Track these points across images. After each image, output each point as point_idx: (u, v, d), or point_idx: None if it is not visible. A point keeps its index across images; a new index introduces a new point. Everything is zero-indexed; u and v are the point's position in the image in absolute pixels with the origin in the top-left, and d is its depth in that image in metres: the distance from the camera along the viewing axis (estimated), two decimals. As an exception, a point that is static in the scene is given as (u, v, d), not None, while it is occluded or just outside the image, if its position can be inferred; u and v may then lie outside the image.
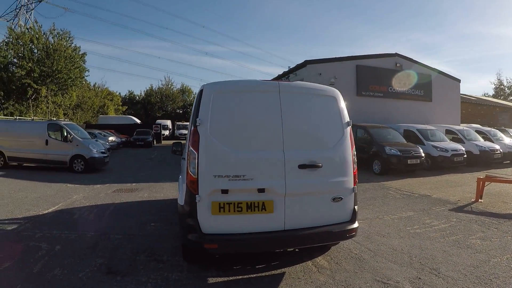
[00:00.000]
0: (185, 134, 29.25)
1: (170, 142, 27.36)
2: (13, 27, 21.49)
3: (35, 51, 22.51)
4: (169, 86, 46.14)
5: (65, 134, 10.15)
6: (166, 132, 32.40)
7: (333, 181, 2.99)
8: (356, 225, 3.06)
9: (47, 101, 23.18)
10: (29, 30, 22.19)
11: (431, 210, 5.60)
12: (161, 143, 26.63)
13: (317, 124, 3.07)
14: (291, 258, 3.42)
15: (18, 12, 28.88)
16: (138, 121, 30.88)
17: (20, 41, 21.24)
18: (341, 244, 3.72)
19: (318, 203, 2.94)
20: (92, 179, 8.63)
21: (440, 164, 10.67)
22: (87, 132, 13.18)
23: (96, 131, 18.34)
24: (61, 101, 25.30)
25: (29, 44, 21.97)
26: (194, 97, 44.02)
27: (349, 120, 3.17)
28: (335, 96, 3.18)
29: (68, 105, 27.12)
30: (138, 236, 4.13)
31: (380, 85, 15.64)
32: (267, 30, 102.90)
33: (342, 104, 3.19)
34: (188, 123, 23.68)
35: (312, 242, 3.04)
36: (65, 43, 23.26)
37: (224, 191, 2.75)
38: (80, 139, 10.12)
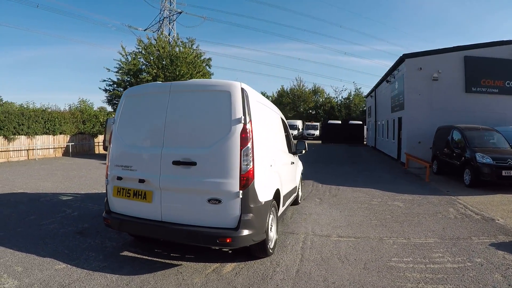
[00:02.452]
0: (313, 134, 32.32)
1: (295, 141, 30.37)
2: (158, 37, 26.23)
3: (161, 58, 26.95)
4: (301, 86, 48.35)
5: None
6: (295, 132, 33.49)
7: (209, 181, 2.84)
8: (238, 234, 2.78)
9: None
10: (156, 40, 26.35)
11: (468, 240, 4.05)
12: None
13: (202, 121, 2.99)
14: (213, 255, 3.46)
15: (162, 23, 34.29)
16: None
17: (148, 50, 26.24)
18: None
19: (193, 202, 2.90)
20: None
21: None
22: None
23: None
24: None
25: (156, 53, 26.34)
26: (326, 98, 46.85)
27: (242, 116, 2.85)
28: (229, 91, 2.93)
29: None
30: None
31: (494, 79, 11.92)
32: (412, 27, 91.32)
33: (238, 99, 2.89)
34: (316, 123, 25.22)
35: (185, 239, 3.01)
36: (187, 50, 26.81)
37: (119, 178, 3.25)
38: None
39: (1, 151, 12.78)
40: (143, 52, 26.57)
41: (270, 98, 48.90)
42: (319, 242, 3.92)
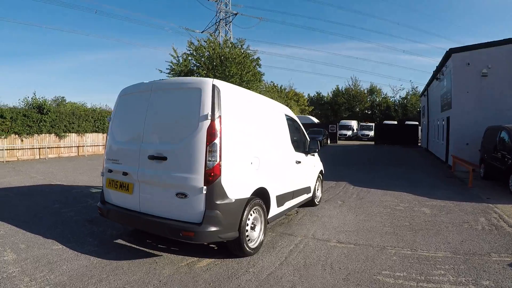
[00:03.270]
0: (367, 135, 32.10)
1: (351, 142, 31.03)
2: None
3: (211, 59, 27.62)
4: (356, 86, 47.82)
5: None
6: (349, 133, 33.99)
7: (177, 176, 2.96)
8: (201, 229, 2.84)
9: None
10: (207, 42, 27.07)
11: (485, 256, 3.53)
12: (336, 143, 28.48)
13: (175, 118, 3.13)
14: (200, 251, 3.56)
15: (218, 25, 35.84)
16: (316, 120, 33.88)
17: (199, 51, 27.57)
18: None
19: (163, 195, 3.05)
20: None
21: None
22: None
23: None
24: None
25: (206, 54, 26.87)
26: (383, 97, 46.15)
27: (209, 113, 2.91)
28: (200, 88, 3.01)
29: None
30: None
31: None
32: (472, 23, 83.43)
33: (208, 96, 2.95)
34: (371, 124, 25.66)
35: (155, 230, 3.16)
36: (237, 50, 27.39)
37: (110, 171, 3.58)
38: None
39: (53, 148, 14.63)
40: (193, 53, 27.73)
41: (325, 98, 49.37)
42: (312, 247, 3.76)
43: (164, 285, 2.75)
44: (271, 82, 43.96)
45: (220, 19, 36.21)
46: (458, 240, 4.06)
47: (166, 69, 26.84)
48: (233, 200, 3.03)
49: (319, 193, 6.01)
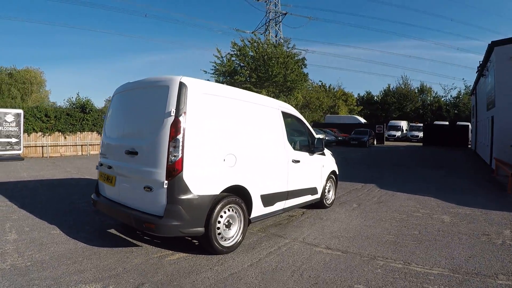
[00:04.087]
0: (417, 136, 31.65)
1: (399, 143, 30.68)
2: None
3: (255, 60, 28.61)
4: (406, 85, 46.92)
5: None
6: (398, 134, 33.69)
7: (145, 170, 3.17)
8: (162, 222, 3.00)
9: None
10: (250, 42, 28.07)
11: (489, 278, 3.07)
12: (383, 143, 28.14)
13: (147, 115, 3.35)
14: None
15: (268, 25, 36.94)
16: (363, 120, 34.17)
17: (242, 52, 27.79)
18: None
19: (135, 187, 3.29)
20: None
21: None
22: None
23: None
24: (285, 102, 31.73)
25: (249, 54, 27.85)
26: (434, 97, 44.94)
27: (173, 109, 3.05)
28: (169, 85, 3.17)
29: (295, 105, 33.37)
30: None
31: None
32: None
33: (174, 93, 3.10)
34: (421, 124, 26.06)
35: (126, 221, 3.39)
36: (280, 50, 27.96)
37: (101, 164, 3.95)
38: None
39: (95, 145, 16.18)
40: (237, 53, 27.71)
41: (375, 97, 48.31)
42: (295, 251, 3.66)
43: (126, 272, 2.94)
44: (320, 81, 44.36)
45: (270, 19, 37.08)
46: (465, 255, 3.63)
47: (210, 69, 27.74)
48: (197, 196, 3.11)
49: (330, 195, 5.89)
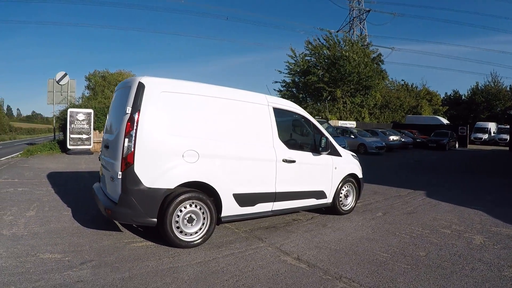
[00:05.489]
0: (505, 139, 30.31)
1: (484, 147, 29.33)
2: (350, 37, 29.05)
3: (331, 58, 28.88)
4: (496, 83, 44.23)
5: (303, 129, 13.85)
6: (485, 136, 32.53)
7: (110, 162, 3.75)
8: (115, 209, 3.50)
9: (343, 101, 29.91)
10: (326, 40, 28.33)
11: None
12: (466, 147, 27.19)
13: (117, 112, 3.90)
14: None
15: (352, 24, 37.51)
16: (445, 121, 33.12)
17: (316, 51, 27.77)
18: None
19: (107, 178, 3.91)
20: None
21: None
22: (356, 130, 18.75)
23: (379, 130, 21.94)
24: (362, 101, 30.90)
25: (323, 53, 28.14)
26: None
27: (129, 107, 3.47)
28: (131, 86, 3.62)
29: (373, 105, 32.84)
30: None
31: None
32: None
33: (133, 92, 3.52)
34: (508, 126, 24.82)
35: (100, 208, 3.97)
36: (358, 48, 27.77)
37: (99, 158, 4.66)
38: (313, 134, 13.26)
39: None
40: (311, 52, 28.08)
41: (463, 97, 45.61)
42: (258, 256, 3.60)
43: (89, 250, 3.50)
44: (402, 80, 42.77)
45: (354, 17, 37.28)
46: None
47: (284, 69, 28.61)
48: (147, 188, 3.45)
49: (349, 201, 5.59)
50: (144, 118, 3.47)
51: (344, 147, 13.02)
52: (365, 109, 30.62)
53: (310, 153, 4.92)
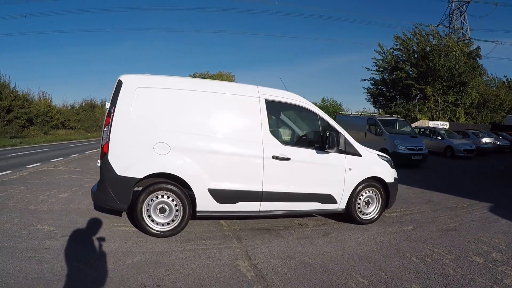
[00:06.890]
0: None
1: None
2: (449, 32, 27.54)
3: (414, 54, 27.49)
4: None
5: (377, 129, 12.66)
6: None
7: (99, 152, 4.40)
8: (93, 192, 4.17)
9: (435, 100, 27.86)
10: (413, 34, 27.13)
11: None
12: None
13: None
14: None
15: (452, 17, 35.44)
16: None
17: (405, 45, 26.86)
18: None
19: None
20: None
21: None
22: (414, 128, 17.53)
23: (471, 131, 19.99)
24: (456, 99, 28.54)
25: (412, 47, 27.10)
26: None
27: (108, 103, 4.04)
28: (116, 83, 4.12)
29: (469, 104, 30.00)
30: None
31: None
32: None
33: (113, 89, 4.06)
34: None
35: None
36: (450, 42, 26.01)
37: None
38: (388, 134, 12.30)
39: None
40: (400, 47, 27.46)
41: None
42: (214, 257, 3.57)
43: (78, 227, 4.27)
44: (504, 76, 37.76)
45: (453, 10, 35.28)
46: None
47: (372, 66, 28.28)
48: (119, 176, 3.95)
49: (371, 209, 5.00)
50: (119, 112, 3.99)
51: (420, 149, 12.45)
52: (460, 108, 27.69)
53: (313, 151, 4.57)
